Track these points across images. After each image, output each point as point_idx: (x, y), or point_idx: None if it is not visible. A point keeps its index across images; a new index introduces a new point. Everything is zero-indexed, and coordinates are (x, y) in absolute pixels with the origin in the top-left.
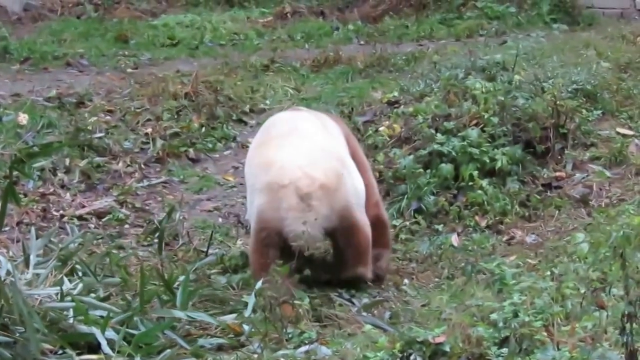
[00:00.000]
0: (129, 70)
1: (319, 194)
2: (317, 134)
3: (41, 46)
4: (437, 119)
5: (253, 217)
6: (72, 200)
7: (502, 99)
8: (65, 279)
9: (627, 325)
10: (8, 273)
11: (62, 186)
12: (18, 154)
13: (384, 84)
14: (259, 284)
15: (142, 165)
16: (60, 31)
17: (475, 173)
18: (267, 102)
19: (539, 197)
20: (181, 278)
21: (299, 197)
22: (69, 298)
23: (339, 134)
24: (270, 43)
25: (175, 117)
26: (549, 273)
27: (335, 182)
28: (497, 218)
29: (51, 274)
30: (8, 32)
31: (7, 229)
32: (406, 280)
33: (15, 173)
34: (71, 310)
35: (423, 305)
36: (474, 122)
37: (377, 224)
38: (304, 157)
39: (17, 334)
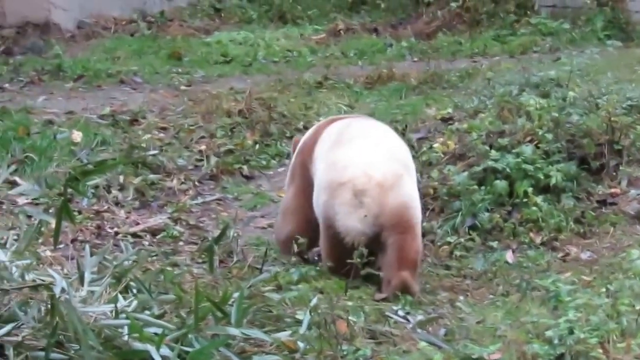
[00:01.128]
0: (183, 87)
1: (374, 192)
2: (386, 138)
3: (95, 64)
4: (491, 136)
5: (320, 214)
6: (127, 218)
7: (557, 115)
8: (120, 296)
9: None
10: (63, 290)
11: (117, 203)
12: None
13: (438, 100)
14: (314, 301)
15: (196, 183)
16: (113, 49)
17: (530, 189)
18: (321, 118)
19: (593, 213)
20: (235, 295)
21: (354, 193)
22: (123, 315)
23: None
24: (324, 60)
25: (229, 134)
26: (604, 290)
27: (391, 182)
28: (552, 235)
29: (106, 291)
30: (62, 50)
31: (61, 246)
32: (461, 297)
33: (69, 191)
34: (126, 327)
35: (478, 322)
36: (528, 138)
37: None
38: (367, 157)
39: (72, 352)
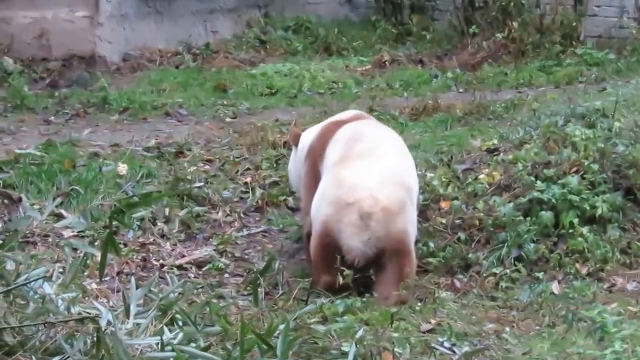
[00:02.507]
0: (228, 119)
1: (380, 216)
2: (393, 157)
3: (140, 96)
4: (537, 167)
5: (318, 222)
6: (172, 250)
7: (602, 146)
8: (166, 328)
9: None
10: (109, 323)
11: (162, 236)
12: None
13: (483, 131)
14: (359, 333)
15: (242, 215)
16: (159, 81)
17: (576, 220)
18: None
19: (639, 244)
20: (281, 327)
21: (360, 215)
22: (169, 348)
23: (410, 156)
24: (369, 91)
25: (274, 166)
26: None
27: (397, 208)
28: (597, 265)
29: (151, 324)
30: (107, 83)
31: (107, 278)
32: (507, 329)
33: (115, 223)
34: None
35: (524, 354)
36: (574, 169)
37: None
38: (374, 179)
39: None
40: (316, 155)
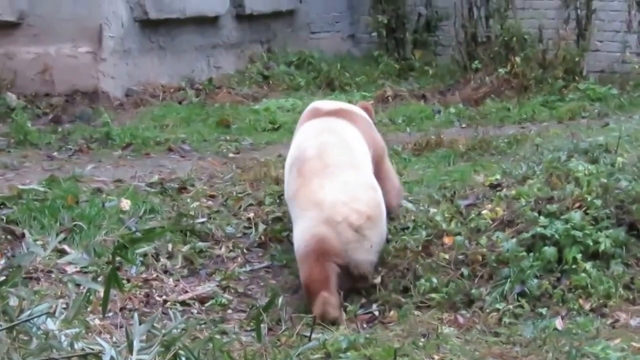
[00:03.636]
0: (231, 155)
1: (368, 224)
2: (347, 166)
3: (143, 132)
4: (540, 202)
5: (312, 240)
6: (175, 286)
7: (605, 181)
8: None
9: None
10: (112, 359)
11: (165, 271)
12: (121, 240)
13: (486, 167)
14: None
15: (245, 250)
16: (162, 116)
17: (579, 256)
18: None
19: None
20: None
21: (353, 230)
22: None
23: (360, 142)
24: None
25: (277, 201)
26: None
27: (377, 211)
28: (601, 301)
29: None
30: (110, 118)
31: (110, 314)
32: None
33: (118, 259)
34: None
35: None
36: (577, 204)
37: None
38: (344, 193)
39: None
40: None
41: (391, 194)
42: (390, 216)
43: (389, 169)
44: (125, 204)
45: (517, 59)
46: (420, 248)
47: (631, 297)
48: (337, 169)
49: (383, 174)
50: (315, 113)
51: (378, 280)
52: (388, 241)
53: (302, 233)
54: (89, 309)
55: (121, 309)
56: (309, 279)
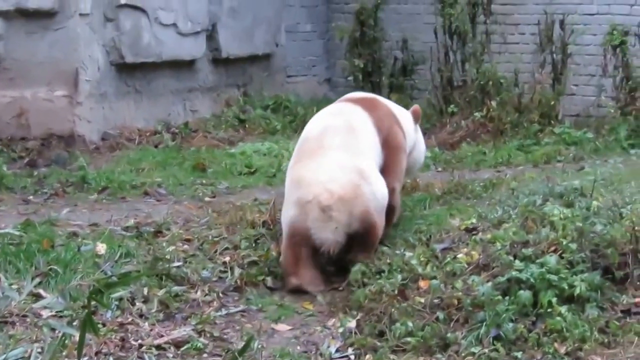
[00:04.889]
0: (207, 199)
1: (338, 205)
2: (340, 148)
3: (119, 175)
4: (516, 246)
5: (286, 224)
6: (151, 330)
7: (581, 225)
8: None
9: None
10: None
11: (141, 315)
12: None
13: (462, 210)
14: None
15: (220, 294)
16: (138, 160)
17: (554, 300)
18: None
19: (618, 323)
20: None
21: (321, 209)
22: None
23: (367, 129)
24: None
25: (253, 245)
26: None
27: (352, 193)
28: (576, 345)
29: None
30: (86, 162)
31: (85, 359)
32: None
33: (93, 303)
34: None
35: None
36: (553, 248)
37: (387, 208)
38: (325, 174)
39: None
40: None
41: (392, 196)
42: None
43: (397, 164)
44: (101, 248)
45: (493, 103)
46: (396, 292)
47: (606, 340)
48: (329, 150)
49: (390, 168)
50: (339, 99)
51: (353, 324)
52: (364, 285)
53: (283, 216)
54: (64, 354)
55: (97, 353)
56: (283, 262)
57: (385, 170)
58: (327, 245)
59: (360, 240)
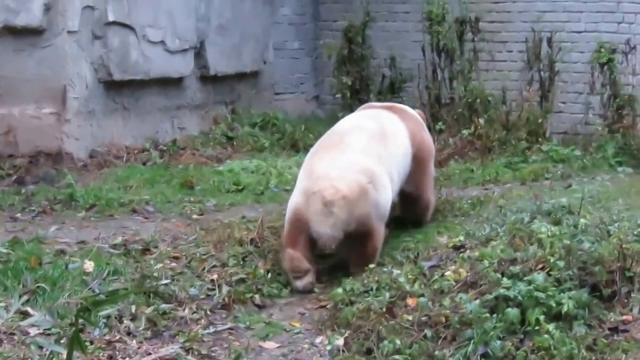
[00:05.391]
0: (195, 216)
1: (340, 203)
2: (360, 149)
3: (107, 193)
4: (503, 264)
5: (290, 209)
6: (138, 348)
7: (568, 242)
8: None
9: None
10: None
11: (128, 333)
12: (84, 302)
13: (450, 228)
14: None
15: (208, 312)
16: (126, 178)
17: (542, 317)
18: (333, 247)
19: (605, 341)
20: None
21: (323, 203)
22: None
23: (399, 137)
24: None
25: (241, 263)
26: None
27: (357, 194)
28: None
29: None
30: (74, 179)
31: None
32: None
33: (81, 321)
34: None
35: None
36: (540, 266)
37: (420, 201)
38: (336, 169)
39: None
40: None
41: (419, 202)
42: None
43: (429, 174)
44: (89, 265)
45: (481, 121)
46: (383, 309)
47: (594, 358)
48: (348, 148)
49: (420, 176)
50: (370, 106)
51: (341, 342)
52: (352, 303)
53: (289, 201)
54: None
55: None
56: (283, 238)
57: (418, 181)
58: (324, 239)
59: (358, 243)
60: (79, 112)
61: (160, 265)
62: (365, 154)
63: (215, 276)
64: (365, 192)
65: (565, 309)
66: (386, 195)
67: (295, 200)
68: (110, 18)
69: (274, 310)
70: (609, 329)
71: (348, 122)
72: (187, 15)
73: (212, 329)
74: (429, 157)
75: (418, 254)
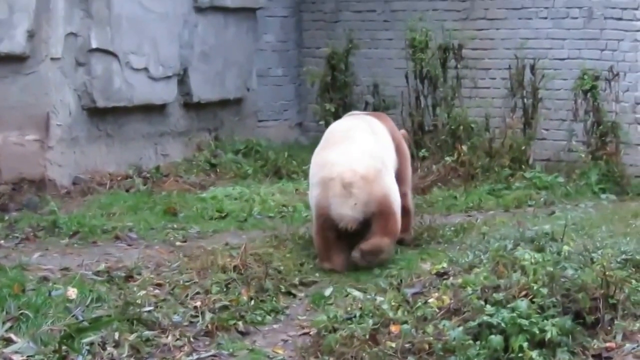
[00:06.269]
0: (178, 243)
1: (360, 183)
2: (366, 140)
3: (90, 220)
4: (486, 291)
5: (313, 206)
6: None
7: (552, 269)
8: None
9: None
10: None
11: None
12: (67, 329)
13: (433, 255)
14: None
15: (191, 339)
16: (109, 204)
17: (525, 344)
18: (317, 274)
19: None
20: None
21: (343, 185)
22: None
23: (385, 135)
24: None
25: (224, 290)
26: None
27: (373, 175)
28: None
29: None
30: (57, 206)
31: None
32: None
33: (64, 348)
34: None
35: None
36: (524, 293)
37: (403, 211)
38: (350, 156)
39: None
40: None
41: (405, 199)
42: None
43: (408, 173)
44: (72, 292)
45: (464, 148)
46: (367, 337)
47: None
48: (357, 140)
49: (402, 174)
50: (352, 114)
51: None
52: (335, 330)
53: (310, 198)
54: None
55: None
56: (316, 247)
57: (398, 176)
58: (345, 221)
59: (378, 224)
60: (62, 139)
61: (144, 292)
62: (372, 143)
63: (198, 303)
64: (381, 174)
65: (548, 336)
66: (395, 182)
67: (314, 194)
68: (94, 45)
69: (257, 337)
70: (593, 356)
71: (342, 124)
72: (171, 42)
73: (195, 356)
74: (407, 156)
75: (401, 280)
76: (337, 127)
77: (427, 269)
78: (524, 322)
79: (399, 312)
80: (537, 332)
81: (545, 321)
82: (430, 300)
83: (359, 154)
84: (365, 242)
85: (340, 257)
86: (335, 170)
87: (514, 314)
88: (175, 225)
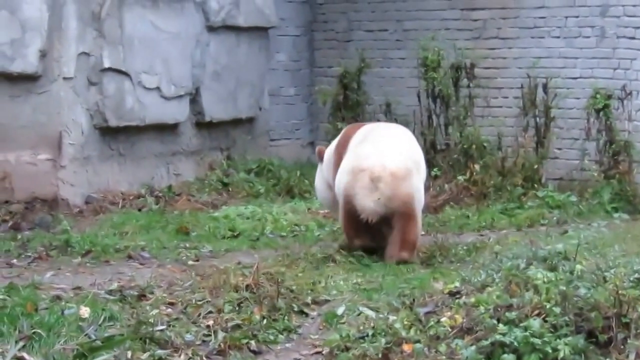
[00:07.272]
0: (190, 262)
1: (388, 179)
2: (404, 141)
3: (103, 239)
4: (499, 310)
5: (340, 193)
6: None
7: (564, 288)
8: None
9: None
10: None
11: None
12: (80, 348)
13: (445, 274)
14: None
15: (204, 358)
16: (121, 224)
17: None
18: (329, 293)
19: None
20: None
21: (370, 178)
22: None
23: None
24: (331, 234)
25: (237, 309)
26: None
27: (403, 173)
28: None
29: None
30: (70, 225)
31: None
32: None
33: None
34: None
35: None
36: (536, 312)
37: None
38: (384, 151)
39: None
40: (341, 148)
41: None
42: None
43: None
44: (85, 311)
45: (476, 167)
46: (379, 356)
47: None
48: (395, 138)
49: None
50: (359, 125)
51: None
52: (347, 349)
53: (337, 185)
54: None
55: None
56: (344, 229)
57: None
58: (367, 213)
59: (398, 227)
60: (74, 158)
61: (156, 311)
62: (406, 143)
63: (211, 322)
64: (410, 173)
65: (561, 355)
66: (422, 187)
67: (343, 180)
68: (106, 64)
69: (270, 356)
70: None
71: (374, 126)
72: (183, 62)
73: None
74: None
75: (414, 299)
76: (374, 128)
77: (440, 288)
78: (537, 341)
79: (412, 331)
80: (550, 351)
81: (557, 340)
82: (442, 319)
83: (393, 151)
84: (385, 252)
85: (368, 235)
86: (366, 163)
87: (527, 333)
88: (187, 245)
